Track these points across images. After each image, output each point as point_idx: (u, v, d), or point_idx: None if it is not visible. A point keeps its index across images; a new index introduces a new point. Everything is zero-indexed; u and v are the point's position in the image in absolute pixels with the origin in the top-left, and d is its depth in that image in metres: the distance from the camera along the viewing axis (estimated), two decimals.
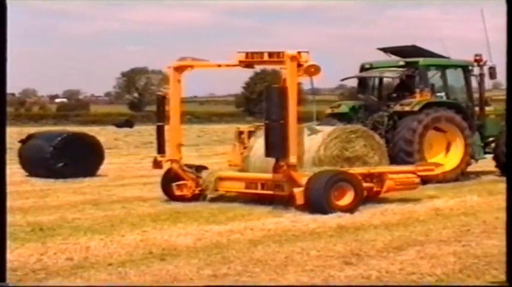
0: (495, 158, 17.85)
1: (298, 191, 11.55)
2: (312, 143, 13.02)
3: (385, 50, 18.37)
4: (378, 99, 18.16)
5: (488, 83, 18.46)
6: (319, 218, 10.82)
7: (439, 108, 16.84)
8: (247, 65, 13.19)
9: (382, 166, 13.26)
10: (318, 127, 13.88)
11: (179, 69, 13.41)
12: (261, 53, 12.59)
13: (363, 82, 18.35)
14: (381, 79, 18.54)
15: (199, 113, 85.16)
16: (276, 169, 11.93)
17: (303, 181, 11.68)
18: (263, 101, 13.08)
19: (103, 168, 18.49)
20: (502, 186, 14.88)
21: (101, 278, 7.14)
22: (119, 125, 57.34)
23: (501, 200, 12.77)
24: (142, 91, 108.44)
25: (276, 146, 11.60)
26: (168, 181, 13.40)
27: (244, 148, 14.08)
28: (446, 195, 13.54)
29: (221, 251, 8.43)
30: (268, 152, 11.76)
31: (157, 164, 13.54)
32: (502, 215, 10.95)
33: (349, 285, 7.05)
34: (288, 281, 7.08)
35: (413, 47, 18.00)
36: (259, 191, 12.70)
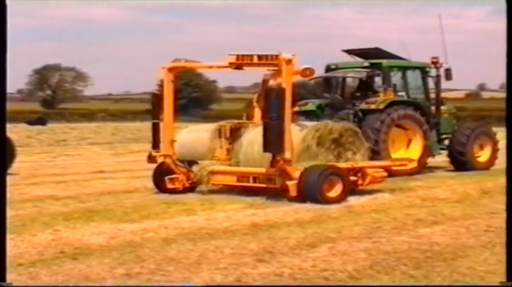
0: (450, 154, 19.11)
1: (291, 184, 12.46)
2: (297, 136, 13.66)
3: (349, 51, 19.20)
4: (342, 97, 19.00)
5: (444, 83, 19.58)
6: (233, 215, 10.88)
7: (401, 107, 17.89)
8: (237, 66, 13.92)
9: (363, 161, 14.16)
10: (305, 123, 14.86)
11: (172, 70, 14.28)
12: (251, 56, 13.41)
13: (328, 82, 19.34)
14: (344, 79, 19.35)
15: (114, 110, 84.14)
16: (273, 163, 12.64)
17: (296, 174, 12.55)
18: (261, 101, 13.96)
19: (15, 166, 18.12)
20: (414, 183, 15.32)
21: (12, 278, 7.01)
22: (32, 122, 56.19)
23: (412, 197, 13.14)
24: (55, 88, 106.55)
25: (274, 143, 12.37)
26: (160, 174, 14.17)
27: (230, 143, 14.89)
28: (359, 193, 13.74)
29: (134, 250, 8.38)
30: (267, 147, 12.50)
31: (152, 159, 14.27)
32: (412, 212, 11.29)
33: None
34: (201, 280, 7.09)
35: (377, 49, 18.96)
36: (251, 184, 13.48)
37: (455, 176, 17.22)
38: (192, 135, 20.18)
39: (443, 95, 19.98)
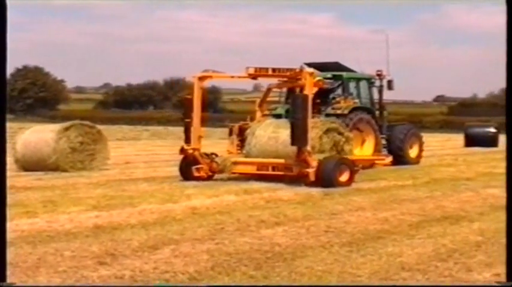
0: (390, 151, 22.51)
1: (311, 171, 15.53)
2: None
3: (310, 64, 20.55)
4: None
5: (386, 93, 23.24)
6: (76, 218, 10.69)
7: (359, 112, 21.23)
8: (254, 77, 17.59)
9: (355, 154, 18.75)
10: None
11: (202, 78, 17.56)
12: (278, 69, 17.23)
13: (291, 90, 20.86)
14: None
15: None
16: (298, 154, 15.64)
17: (315, 163, 15.59)
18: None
19: None
20: (259, 185, 15.54)
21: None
22: None
23: (257, 199, 13.33)
24: None
25: (300, 138, 15.38)
26: (187, 164, 17.10)
27: (240, 140, 19.07)
28: (204, 194, 13.82)
29: None
30: (294, 141, 15.55)
31: (183, 151, 17.27)
32: (256, 213, 11.45)
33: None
34: (40, 283, 6.94)
35: (336, 63, 22.13)
36: (270, 172, 16.59)
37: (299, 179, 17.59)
38: (35, 136, 19.76)
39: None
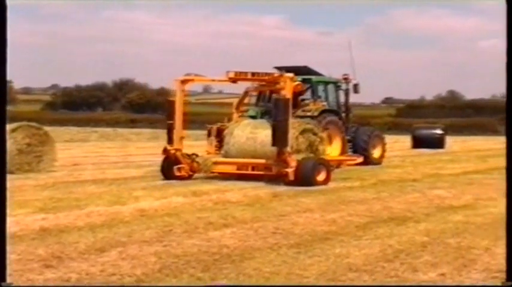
0: (355, 151, 23.69)
1: (291, 171, 16.29)
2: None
3: (280, 68, 21.35)
4: None
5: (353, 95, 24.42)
6: (22, 220, 10.55)
7: (328, 114, 21.98)
8: (234, 81, 18.39)
9: (329, 155, 19.67)
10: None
11: (184, 82, 18.24)
12: (258, 73, 18.42)
13: (262, 93, 22.33)
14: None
15: None
16: (279, 155, 16.46)
17: (294, 164, 16.37)
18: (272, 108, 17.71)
19: None
20: (208, 187, 15.52)
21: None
22: None
23: (205, 201, 13.31)
24: None
25: (281, 139, 16.26)
26: (169, 164, 17.78)
27: (218, 141, 19.69)
28: (152, 196, 13.76)
29: None
30: (275, 142, 16.42)
31: (166, 152, 17.88)
32: (204, 215, 11.43)
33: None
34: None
35: (305, 67, 22.77)
36: (250, 172, 17.45)
37: (249, 180, 17.63)
38: None
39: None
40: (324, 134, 19.70)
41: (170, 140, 17.97)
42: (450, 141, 41.24)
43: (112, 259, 8.07)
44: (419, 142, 37.58)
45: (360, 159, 22.60)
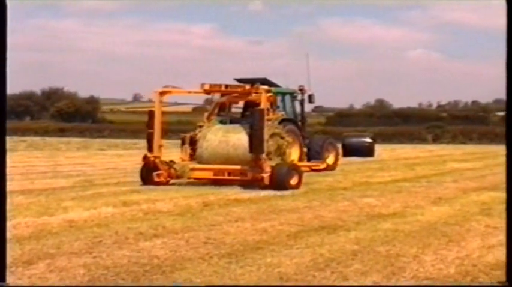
0: (309, 158, 24.94)
1: (266, 176, 17.63)
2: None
3: (240, 80, 23.16)
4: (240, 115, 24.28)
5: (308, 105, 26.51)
6: None
7: (286, 123, 22.96)
8: (208, 92, 20.52)
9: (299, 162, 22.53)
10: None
11: (162, 93, 19.51)
12: (236, 86, 20.64)
13: (223, 104, 23.24)
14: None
15: None
16: (256, 161, 17.76)
17: (268, 169, 17.72)
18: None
19: None
20: (138, 197, 15.36)
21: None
22: None
23: (136, 211, 13.18)
24: None
25: (258, 146, 17.69)
26: (147, 171, 18.89)
27: (191, 149, 20.51)
28: (81, 206, 13.56)
29: None
30: (253, 150, 17.84)
31: (146, 159, 18.98)
32: (134, 226, 11.30)
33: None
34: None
35: (265, 79, 23.30)
36: (226, 177, 18.63)
37: (179, 189, 17.55)
38: None
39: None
40: (290, 139, 21.31)
41: (150, 148, 19.09)
42: (379, 149, 41.76)
43: (40, 271, 7.92)
44: (349, 150, 37.90)
45: (324, 165, 24.47)
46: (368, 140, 39.91)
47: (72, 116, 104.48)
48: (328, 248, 9.53)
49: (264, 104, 18.25)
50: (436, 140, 74.22)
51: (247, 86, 19.60)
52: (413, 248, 9.50)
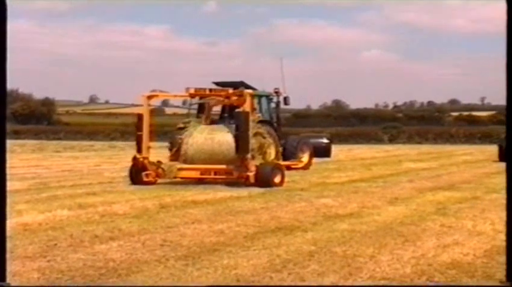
0: (285, 158, 25.74)
1: (252, 175, 18.62)
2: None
3: (218, 83, 24.17)
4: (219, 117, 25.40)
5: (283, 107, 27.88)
6: None
7: (263, 125, 23.48)
8: (193, 96, 22.15)
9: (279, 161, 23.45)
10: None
11: (150, 97, 20.40)
12: (222, 90, 21.58)
13: (202, 106, 24.24)
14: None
15: None
16: (242, 161, 18.74)
17: (253, 168, 18.73)
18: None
19: None
20: (94, 199, 15.20)
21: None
22: None
23: (91, 214, 13.04)
24: None
25: (243, 147, 18.70)
26: (136, 171, 19.62)
27: (176, 151, 21.33)
28: (36, 209, 13.39)
29: None
30: (238, 151, 18.88)
31: (135, 160, 19.70)
32: (90, 229, 11.19)
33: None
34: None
35: (242, 82, 23.93)
36: (212, 176, 19.65)
37: (135, 191, 17.44)
38: None
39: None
40: (271, 139, 22.67)
41: (139, 150, 19.77)
42: (336, 150, 41.93)
43: None
44: None
45: (302, 164, 26.34)
46: (325, 140, 39.97)
47: (27, 118, 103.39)
48: (285, 249, 9.52)
49: (248, 107, 19.17)
50: (392, 140, 74.89)
51: (231, 90, 20.83)
52: (369, 249, 9.54)
